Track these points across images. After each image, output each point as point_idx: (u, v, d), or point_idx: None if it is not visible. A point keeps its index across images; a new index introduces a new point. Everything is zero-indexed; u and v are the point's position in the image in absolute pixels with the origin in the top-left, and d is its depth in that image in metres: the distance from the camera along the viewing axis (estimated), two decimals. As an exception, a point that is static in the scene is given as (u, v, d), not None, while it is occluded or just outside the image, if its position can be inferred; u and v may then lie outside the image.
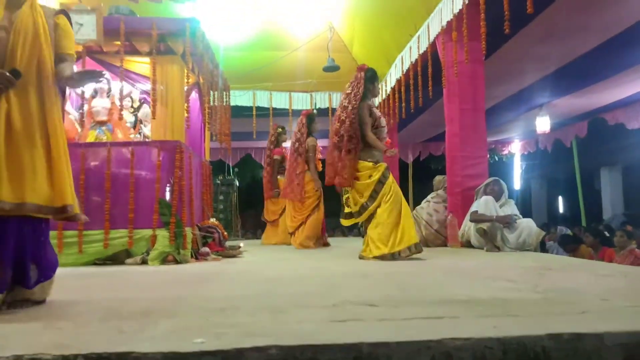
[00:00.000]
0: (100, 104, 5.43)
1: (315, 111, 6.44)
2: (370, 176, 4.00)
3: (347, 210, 4.24)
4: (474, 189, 5.00)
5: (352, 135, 3.99)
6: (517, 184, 13.49)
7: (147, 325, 1.62)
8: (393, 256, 3.80)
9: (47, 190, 1.97)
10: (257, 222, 13.08)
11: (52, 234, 3.97)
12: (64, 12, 2.27)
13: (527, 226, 4.52)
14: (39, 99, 2.04)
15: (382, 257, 3.81)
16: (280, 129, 6.94)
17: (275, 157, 6.81)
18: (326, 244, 6.03)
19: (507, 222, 4.48)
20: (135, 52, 4.47)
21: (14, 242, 1.94)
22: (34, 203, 1.93)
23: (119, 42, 4.28)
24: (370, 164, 4.03)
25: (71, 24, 2.28)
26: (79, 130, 5.26)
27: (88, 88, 5.27)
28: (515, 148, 12.49)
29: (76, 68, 4.79)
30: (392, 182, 4.01)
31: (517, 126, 10.67)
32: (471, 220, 4.67)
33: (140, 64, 4.57)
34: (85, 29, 4.19)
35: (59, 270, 2.04)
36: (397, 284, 2.56)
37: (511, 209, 4.71)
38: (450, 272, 3.10)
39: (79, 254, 4.02)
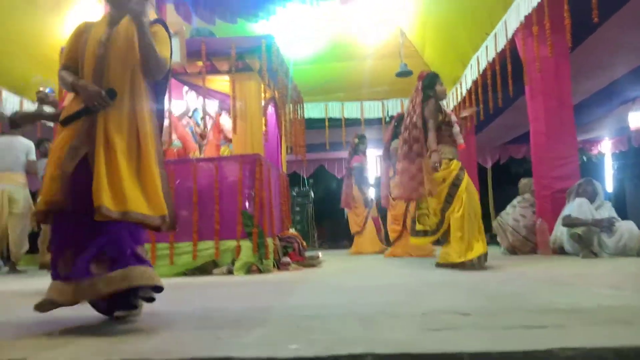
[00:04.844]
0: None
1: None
2: (443, 179, 3.77)
3: (419, 227, 3.97)
4: (564, 192, 4.69)
5: (418, 138, 3.85)
6: (609, 185, 12.47)
7: (241, 332, 1.65)
8: (464, 265, 3.57)
9: (143, 201, 1.99)
10: (333, 233, 13.16)
11: (146, 246, 4.23)
12: (160, 21, 2.27)
13: (628, 229, 4.17)
14: (130, 112, 2.08)
15: (462, 266, 3.59)
16: (356, 139, 6.91)
17: (355, 164, 6.75)
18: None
19: (605, 226, 4.15)
20: (216, 71, 4.65)
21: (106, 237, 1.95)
22: (139, 212, 1.94)
23: (200, 63, 4.48)
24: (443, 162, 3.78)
25: (169, 33, 2.24)
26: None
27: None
28: (606, 147, 11.59)
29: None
30: (466, 183, 3.73)
31: (607, 123, 9.92)
32: (564, 225, 4.37)
33: (220, 82, 4.75)
34: (169, 53, 4.44)
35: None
36: (488, 293, 2.43)
37: (609, 211, 4.38)
38: (545, 280, 2.90)
39: (170, 265, 4.23)
